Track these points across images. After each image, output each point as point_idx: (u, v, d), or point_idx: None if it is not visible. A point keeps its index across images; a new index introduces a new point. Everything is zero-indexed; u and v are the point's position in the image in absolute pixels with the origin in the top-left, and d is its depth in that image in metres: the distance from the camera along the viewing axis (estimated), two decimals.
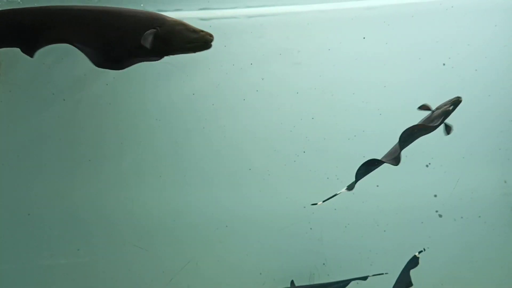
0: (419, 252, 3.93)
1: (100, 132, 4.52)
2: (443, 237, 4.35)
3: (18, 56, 4.53)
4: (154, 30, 2.40)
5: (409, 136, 3.61)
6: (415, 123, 4.58)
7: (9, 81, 4.47)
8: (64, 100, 4.51)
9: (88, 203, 4.44)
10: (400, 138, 3.59)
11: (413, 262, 3.92)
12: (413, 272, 4.34)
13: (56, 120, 4.49)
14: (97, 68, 4.57)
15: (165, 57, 4.64)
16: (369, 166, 3.62)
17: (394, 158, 3.59)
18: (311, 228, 4.50)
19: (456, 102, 3.57)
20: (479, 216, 4.40)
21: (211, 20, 4.66)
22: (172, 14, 4.58)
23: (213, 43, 2.69)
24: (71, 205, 4.42)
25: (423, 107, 3.70)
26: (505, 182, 4.47)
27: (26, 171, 4.45)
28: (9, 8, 2.55)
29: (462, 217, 4.44)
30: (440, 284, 4.34)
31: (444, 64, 4.57)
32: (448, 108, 3.59)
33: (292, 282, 4.16)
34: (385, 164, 4.53)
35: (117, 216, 4.47)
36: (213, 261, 4.45)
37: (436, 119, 3.67)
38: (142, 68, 4.61)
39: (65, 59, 4.57)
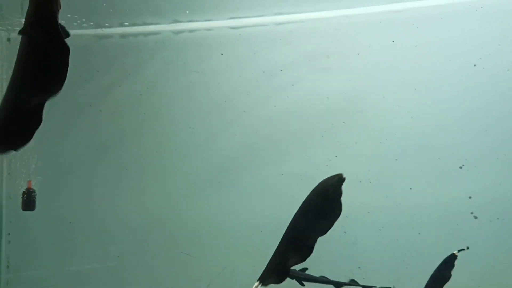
0: (459, 251, 3.92)
1: (136, 141, 4.65)
2: (479, 239, 4.30)
3: None
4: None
5: None
6: (447, 124, 4.60)
7: None
8: (100, 111, 4.66)
9: (126, 211, 4.56)
10: None
11: (451, 259, 3.92)
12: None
13: (93, 131, 4.64)
14: (130, 78, 4.74)
15: (195, 67, 4.79)
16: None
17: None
18: (345, 232, 4.51)
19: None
20: None
21: (240, 29, 4.75)
22: (203, 24, 4.74)
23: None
24: (110, 213, 4.56)
25: None
26: None
27: (67, 181, 4.60)
28: None
29: (498, 218, 4.40)
30: (477, 286, 4.31)
31: (475, 65, 4.55)
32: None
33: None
34: (418, 166, 4.55)
35: (154, 223, 4.58)
36: (249, 266, 4.43)
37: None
38: (174, 78, 4.79)
39: (100, 72, 4.73)
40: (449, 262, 3.87)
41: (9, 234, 4.49)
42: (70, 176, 4.61)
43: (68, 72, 4.80)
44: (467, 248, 3.87)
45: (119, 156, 4.63)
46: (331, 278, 4.43)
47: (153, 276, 4.54)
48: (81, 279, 4.50)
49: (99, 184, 4.58)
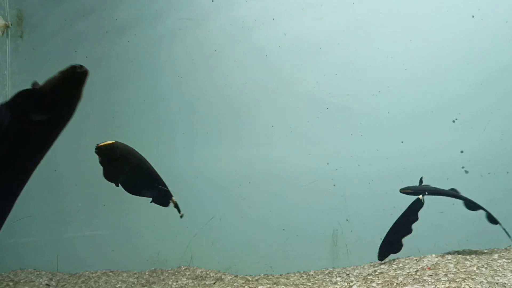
0: (423, 195, 3.94)
1: (123, 89, 4.53)
2: (469, 193, 4.24)
3: (40, 14, 4.56)
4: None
5: None
6: (441, 77, 4.51)
7: (32, 39, 4.50)
8: (87, 57, 4.53)
9: None
10: None
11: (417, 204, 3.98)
12: (437, 229, 4.36)
13: None
14: (118, 25, 4.60)
15: (185, 14, 4.65)
16: None
17: None
18: (334, 185, 4.47)
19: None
20: (507, 172, 4.31)
21: None
22: None
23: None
24: (95, 161, 4.47)
25: None
26: None
27: None
28: None
29: (489, 173, 4.36)
30: (465, 240, 4.29)
31: (473, 16, 4.42)
32: None
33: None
34: (410, 119, 4.48)
35: None
36: (236, 217, 4.48)
37: None
38: (163, 25, 4.63)
39: (86, 17, 4.58)
40: (415, 207, 3.93)
41: None
42: None
43: (51, 16, 4.63)
44: (427, 193, 3.94)
45: (106, 105, 4.53)
46: (317, 231, 4.44)
47: (139, 226, 4.50)
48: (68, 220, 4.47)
49: (85, 132, 4.48)
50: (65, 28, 4.53)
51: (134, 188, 3.40)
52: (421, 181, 4.14)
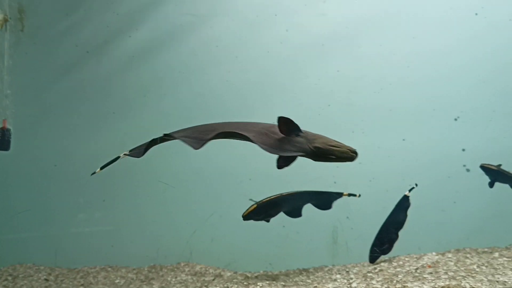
0: (409, 190, 3.94)
1: (123, 84, 4.51)
2: (470, 192, 4.26)
3: (41, 8, 4.54)
4: None
5: None
6: (444, 75, 4.49)
7: (34, 33, 4.48)
8: (87, 52, 4.51)
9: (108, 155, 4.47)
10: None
11: (405, 201, 3.98)
12: (438, 226, 4.35)
13: (79, 72, 4.50)
14: (120, 20, 4.57)
15: (187, 9, 4.63)
16: None
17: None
18: (335, 182, 4.44)
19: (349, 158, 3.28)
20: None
21: None
22: None
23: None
24: (95, 156, 4.46)
25: None
26: None
27: (51, 123, 4.50)
28: None
29: None
30: (465, 238, 4.28)
31: (476, 14, 4.39)
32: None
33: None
34: (412, 117, 4.47)
35: (139, 171, 4.47)
36: (237, 214, 4.43)
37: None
38: (164, 20, 4.61)
39: (86, 11, 4.55)
40: (402, 204, 3.93)
41: None
42: (53, 117, 4.49)
43: (53, 10, 4.63)
44: (416, 185, 3.93)
45: (105, 99, 4.50)
46: (317, 228, 4.43)
47: (138, 222, 4.49)
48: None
49: (84, 127, 4.47)
50: (67, 22, 4.50)
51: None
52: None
